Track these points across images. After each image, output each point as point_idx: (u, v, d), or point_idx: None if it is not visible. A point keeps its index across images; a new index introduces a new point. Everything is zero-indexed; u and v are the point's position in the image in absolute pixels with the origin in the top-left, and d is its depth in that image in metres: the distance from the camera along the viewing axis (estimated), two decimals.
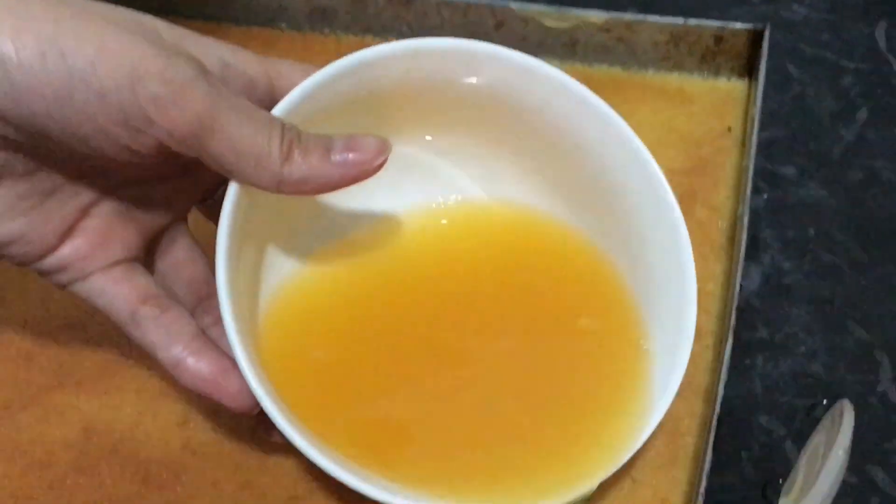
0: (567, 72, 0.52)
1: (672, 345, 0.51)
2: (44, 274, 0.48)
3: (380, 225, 0.56)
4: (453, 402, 0.52)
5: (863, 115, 0.73)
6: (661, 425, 0.53)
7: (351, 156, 0.45)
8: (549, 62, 0.52)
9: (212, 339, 0.49)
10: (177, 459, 0.53)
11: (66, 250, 0.48)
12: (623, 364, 0.52)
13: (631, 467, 0.53)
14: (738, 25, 0.68)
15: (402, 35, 0.71)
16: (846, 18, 0.80)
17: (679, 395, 0.55)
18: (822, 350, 0.61)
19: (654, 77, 0.70)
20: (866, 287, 0.64)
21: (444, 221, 0.56)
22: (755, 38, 0.68)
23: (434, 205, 0.57)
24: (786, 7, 0.80)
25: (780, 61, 0.76)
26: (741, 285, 0.57)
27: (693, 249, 0.61)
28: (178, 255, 0.51)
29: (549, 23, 0.69)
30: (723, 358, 0.53)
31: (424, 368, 0.53)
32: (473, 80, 0.52)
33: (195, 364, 0.47)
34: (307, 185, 0.45)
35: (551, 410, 0.52)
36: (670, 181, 0.52)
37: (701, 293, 0.59)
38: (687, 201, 0.63)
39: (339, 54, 0.49)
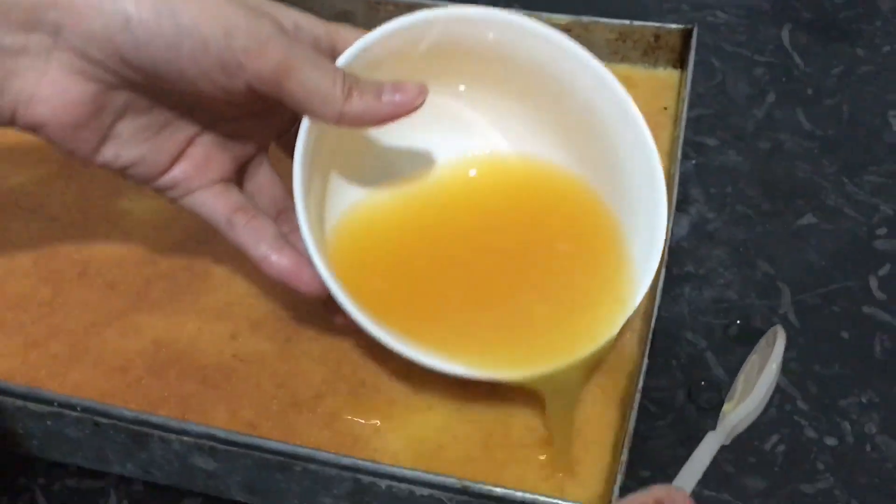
0: None
1: (647, 248, 0.50)
2: (159, 190, 0.49)
3: (421, 165, 0.56)
4: (479, 296, 0.52)
5: (771, 98, 0.73)
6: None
7: (397, 96, 0.46)
8: None
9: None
10: (228, 365, 0.53)
11: (176, 171, 0.49)
12: (612, 263, 0.52)
13: None
14: (673, 26, 0.67)
15: None
16: (758, 22, 0.79)
17: None
18: (736, 281, 0.60)
19: (605, 67, 0.69)
20: (771, 232, 0.63)
21: (472, 171, 0.56)
22: (686, 37, 0.67)
23: (465, 153, 0.56)
24: (710, 13, 0.80)
25: (706, 55, 0.75)
26: (673, 231, 0.57)
27: None
28: (261, 179, 0.52)
29: None
30: (658, 287, 0.52)
31: (455, 275, 0.53)
32: (490, 40, 0.52)
33: (277, 260, 0.48)
34: (363, 119, 0.46)
35: (563, 294, 0.52)
36: None
37: None
38: None
39: None
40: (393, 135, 0.54)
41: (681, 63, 0.68)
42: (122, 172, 0.48)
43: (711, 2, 0.81)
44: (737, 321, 0.58)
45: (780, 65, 0.75)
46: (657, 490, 0.32)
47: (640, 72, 0.69)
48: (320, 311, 0.55)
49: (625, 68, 0.69)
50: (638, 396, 0.47)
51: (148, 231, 0.59)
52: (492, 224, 0.55)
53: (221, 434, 0.46)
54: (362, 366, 0.52)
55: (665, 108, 0.66)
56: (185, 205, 0.50)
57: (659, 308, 0.52)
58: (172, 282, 0.57)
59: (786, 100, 0.72)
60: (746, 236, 0.63)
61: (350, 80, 0.45)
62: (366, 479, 0.45)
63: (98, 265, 0.58)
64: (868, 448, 0.52)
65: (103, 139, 0.46)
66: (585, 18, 0.68)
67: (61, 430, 0.49)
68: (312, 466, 0.46)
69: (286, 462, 0.46)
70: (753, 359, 0.54)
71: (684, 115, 0.62)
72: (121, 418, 0.47)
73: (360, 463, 0.45)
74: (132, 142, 0.47)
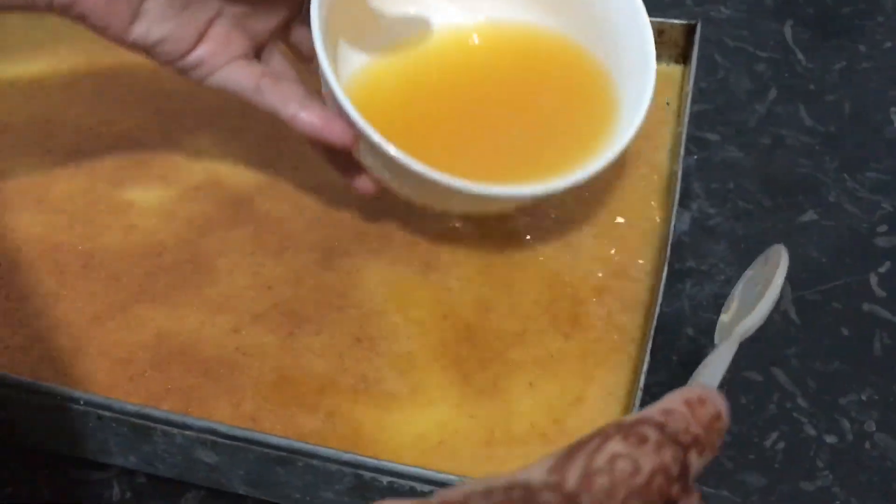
0: None
1: (636, 92, 0.52)
2: (185, 71, 0.50)
3: (422, 33, 0.57)
4: (487, 136, 0.54)
5: (772, 93, 0.72)
6: (610, 336, 0.52)
7: None
8: None
9: None
10: (229, 358, 0.52)
11: (200, 50, 0.50)
12: (606, 107, 0.54)
13: (587, 359, 0.51)
14: (676, 21, 0.66)
15: None
16: (761, 18, 0.78)
17: (627, 310, 0.54)
18: (737, 277, 0.59)
19: None
20: (772, 228, 0.62)
21: (470, 36, 0.58)
22: (689, 32, 0.66)
23: (463, 21, 0.58)
24: (713, 8, 0.78)
25: (709, 51, 0.74)
26: (675, 226, 0.56)
27: (637, 197, 0.60)
28: (275, 66, 0.53)
29: None
30: (660, 282, 0.51)
31: (464, 121, 0.55)
32: None
33: (307, 116, 0.49)
34: None
35: (561, 129, 0.54)
36: None
37: (642, 231, 0.58)
38: (633, 160, 0.61)
39: None
40: (395, 6, 0.56)
41: (684, 58, 0.67)
42: (152, 51, 0.49)
43: None
44: None
45: (782, 60, 0.74)
46: (695, 389, 0.31)
47: None
48: (322, 305, 0.54)
49: None
50: (640, 394, 0.47)
51: (151, 224, 0.58)
52: (493, 78, 0.57)
53: (223, 429, 0.46)
54: (364, 360, 0.52)
55: (667, 103, 0.65)
56: (211, 84, 0.51)
57: (661, 304, 0.51)
58: (175, 275, 0.56)
59: (787, 95, 0.71)
60: (747, 232, 0.62)
61: None
62: (367, 475, 0.45)
63: (102, 258, 0.57)
64: (867, 446, 0.52)
65: (134, 15, 0.47)
66: None
67: (64, 423, 0.48)
68: (314, 462, 0.45)
69: (287, 457, 0.45)
70: (749, 274, 0.54)
71: (687, 111, 0.61)
72: (123, 412, 0.47)
73: (362, 459, 0.44)
74: (159, 19, 0.48)
